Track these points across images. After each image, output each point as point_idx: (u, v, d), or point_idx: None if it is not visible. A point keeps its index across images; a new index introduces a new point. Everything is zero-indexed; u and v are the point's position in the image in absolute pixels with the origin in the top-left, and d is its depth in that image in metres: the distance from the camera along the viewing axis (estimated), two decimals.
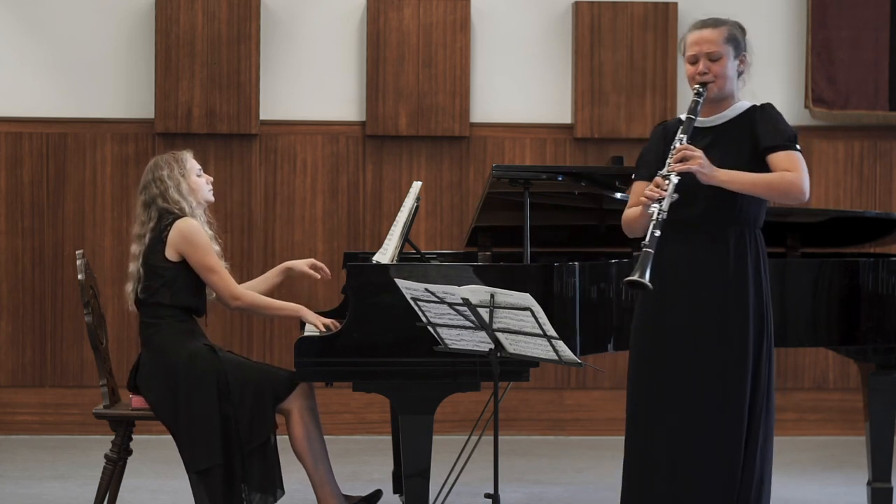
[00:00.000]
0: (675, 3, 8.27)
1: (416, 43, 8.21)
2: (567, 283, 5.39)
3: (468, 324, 4.82)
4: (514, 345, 4.80)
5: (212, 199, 5.86)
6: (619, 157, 6.35)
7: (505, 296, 4.66)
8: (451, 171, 8.34)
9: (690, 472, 4.73)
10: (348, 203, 8.30)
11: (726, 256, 4.74)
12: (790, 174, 4.69)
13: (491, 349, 4.84)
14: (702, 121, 4.81)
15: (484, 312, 4.73)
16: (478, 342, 4.87)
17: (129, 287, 5.76)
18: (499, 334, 4.79)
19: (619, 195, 5.93)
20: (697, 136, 4.77)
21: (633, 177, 4.96)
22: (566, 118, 8.36)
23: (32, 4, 8.18)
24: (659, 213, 4.61)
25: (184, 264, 5.65)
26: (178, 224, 5.66)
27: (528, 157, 8.33)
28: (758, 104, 4.84)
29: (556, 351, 4.71)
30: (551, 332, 4.65)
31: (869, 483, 6.07)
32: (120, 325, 8.14)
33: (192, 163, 5.81)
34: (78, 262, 5.80)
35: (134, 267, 5.74)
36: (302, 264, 5.99)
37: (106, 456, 5.76)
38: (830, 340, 6.01)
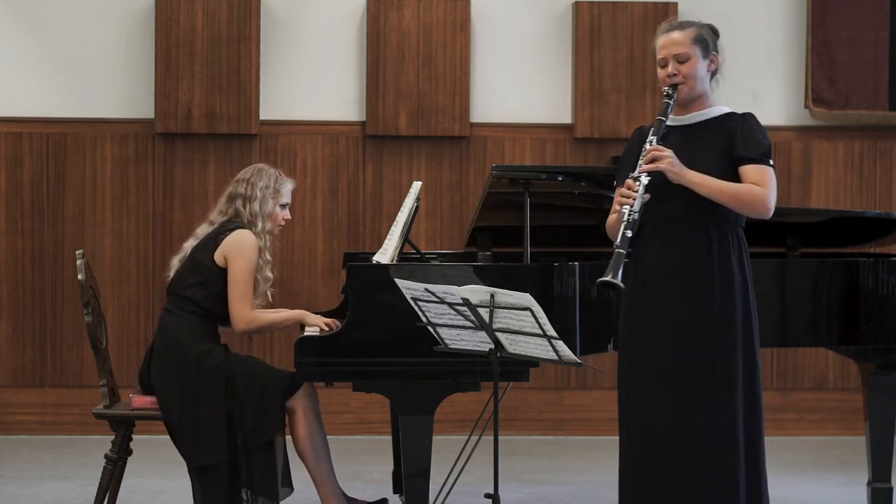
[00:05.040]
0: (675, 3, 8.27)
1: (416, 43, 8.21)
2: (567, 283, 5.39)
3: (468, 324, 4.82)
4: (514, 345, 4.80)
5: (276, 231, 5.88)
6: (619, 157, 6.34)
7: (505, 296, 4.66)
8: (451, 171, 8.34)
9: (686, 475, 4.73)
10: (348, 203, 8.30)
11: (710, 255, 4.76)
12: (758, 189, 4.72)
13: (491, 349, 4.84)
14: (675, 118, 4.85)
15: (484, 312, 4.73)
16: (478, 342, 4.87)
17: (175, 260, 5.82)
18: (499, 334, 4.79)
19: None
20: (670, 135, 4.81)
21: (614, 183, 4.97)
22: (566, 118, 8.36)
23: (32, 4, 8.18)
24: (630, 214, 4.66)
25: (227, 273, 5.68)
26: (238, 232, 5.70)
27: (528, 157, 8.33)
28: (737, 112, 4.86)
29: (556, 351, 4.71)
30: (551, 332, 4.65)
31: (869, 483, 6.07)
32: (120, 325, 8.15)
33: (286, 194, 5.85)
34: (78, 262, 5.80)
35: (191, 242, 5.80)
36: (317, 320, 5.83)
37: (106, 456, 5.77)
38: (830, 340, 6.01)
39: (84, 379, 8.16)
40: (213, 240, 5.71)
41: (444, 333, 4.94)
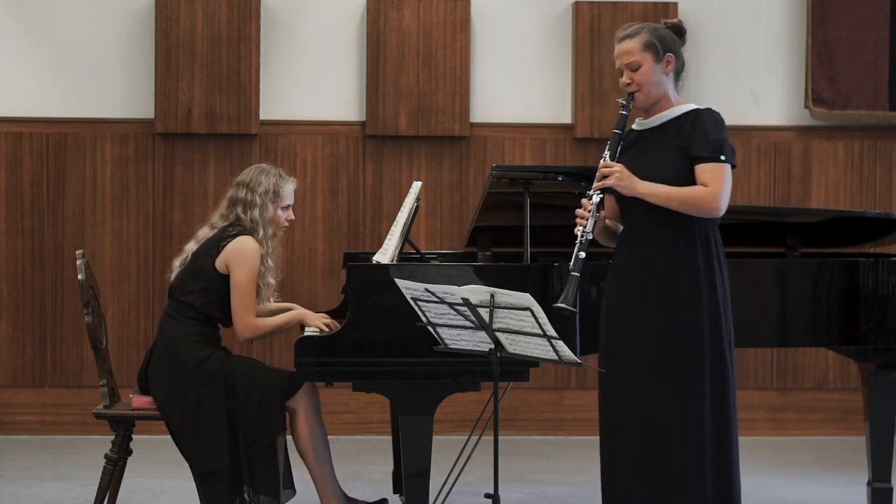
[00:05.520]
0: (675, 3, 8.27)
1: (416, 43, 8.21)
2: None
3: (468, 324, 4.81)
4: (514, 345, 4.80)
5: (280, 233, 5.81)
6: None
7: (505, 296, 4.66)
8: (451, 171, 8.34)
9: (658, 474, 4.74)
10: (348, 203, 8.30)
11: (675, 255, 4.77)
12: (703, 190, 4.72)
13: (491, 349, 4.84)
14: (642, 123, 4.90)
15: (484, 312, 4.73)
16: (478, 342, 4.87)
17: (176, 262, 5.75)
18: (499, 334, 4.79)
19: None
20: (637, 141, 4.87)
21: None
22: (566, 118, 8.36)
23: (32, 4, 8.18)
24: (583, 235, 4.76)
25: (227, 280, 5.64)
26: (240, 239, 5.64)
27: (528, 157, 8.33)
28: (699, 108, 4.85)
29: (556, 351, 4.71)
30: (551, 332, 4.65)
31: (869, 483, 6.07)
32: (120, 325, 8.14)
33: (287, 196, 5.76)
34: (78, 262, 5.80)
35: (192, 245, 5.74)
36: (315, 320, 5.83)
37: (106, 456, 5.76)
38: (830, 340, 6.01)
39: (84, 379, 8.16)
40: (216, 246, 5.67)
41: (444, 333, 4.94)
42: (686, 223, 4.76)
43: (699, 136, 4.75)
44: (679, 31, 4.92)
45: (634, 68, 4.82)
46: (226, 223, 5.72)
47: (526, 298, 4.62)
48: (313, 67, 8.29)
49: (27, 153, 8.18)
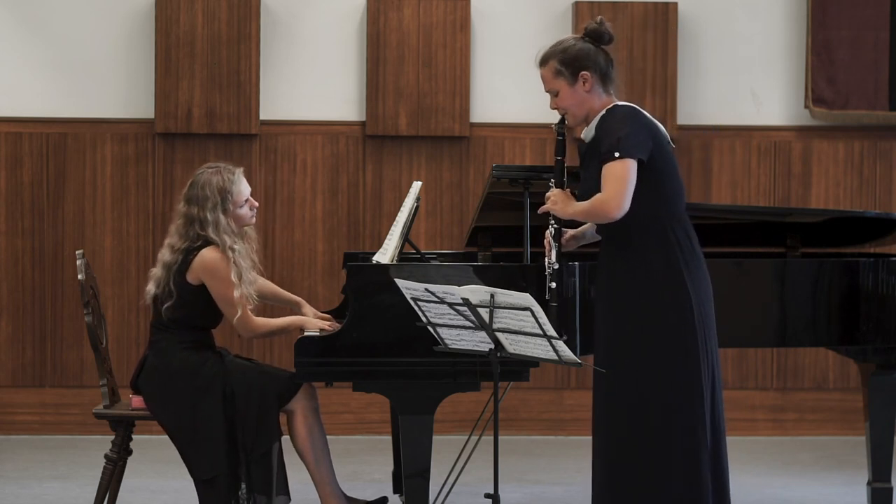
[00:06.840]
0: (675, 3, 8.27)
1: (416, 43, 8.20)
2: (567, 283, 5.38)
3: (468, 324, 4.81)
4: (514, 345, 4.80)
5: (251, 223, 5.73)
6: None
7: (505, 296, 4.66)
8: (451, 171, 8.34)
9: (619, 468, 4.82)
10: (348, 203, 8.30)
11: (627, 260, 4.82)
12: (597, 198, 4.74)
13: (491, 349, 4.84)
14: (586, 135, 4.92)
15: (484, 312, 4.73)
16: (478, 342, 4.87)
17: (150, 287, 5.67)
18: (499, 334, 4.79)
19: None
20: (586, 154, 4.92)
21: None
22: None
23: (32, 4, 8.18)
24: (549, 267, 4.93)
25: (204, 288, 5.61)
26: (203, 254, 5.57)
27: (528, 157, 8.33)
28: (608, 109, 4.85)
29: (556, 351, 4.71)
30: (551, 332, 4.65)
31: (869, 483, 6.07)
32: (120, 325, 8.14)
33: (240, 193, 5.65)
34: (78, 262, 5.80)
35: (159, 271, 5.64)
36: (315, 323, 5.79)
37: (106, 456, 5.76)
38: (830, 340, 6.01)
39: (84, 379, 8.16)
40: (185, 262, 5.59)
41: (444, 333, 4.94)
42: (637, 227, 4.79)
43: (601, 140, 4.78)
44: (599, 37, 4.87)
45: (555, 94, 4.88)
46: (187, 244, 5.62)
47: (526, 298, 4.61)
48: (313, 67, 8.29)
49: (27, 153, 8.18)
